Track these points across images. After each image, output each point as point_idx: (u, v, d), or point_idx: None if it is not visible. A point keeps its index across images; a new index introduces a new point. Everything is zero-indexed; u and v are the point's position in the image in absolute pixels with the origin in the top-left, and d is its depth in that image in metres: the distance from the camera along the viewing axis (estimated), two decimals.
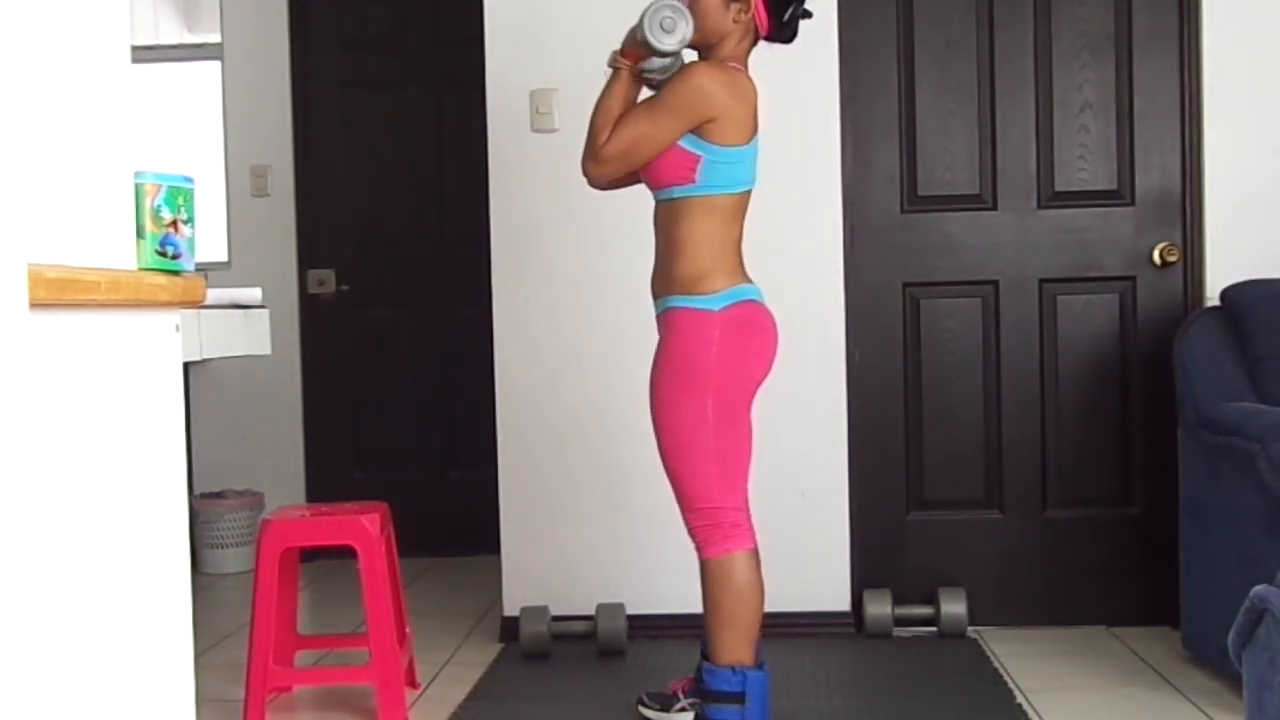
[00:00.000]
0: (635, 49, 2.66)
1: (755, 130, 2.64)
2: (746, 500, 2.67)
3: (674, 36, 2.58)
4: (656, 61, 2.68)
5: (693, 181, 2.60)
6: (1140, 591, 3.69)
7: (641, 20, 2.59)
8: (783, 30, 2.67)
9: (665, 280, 2.67)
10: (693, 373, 2.59)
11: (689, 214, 2.61)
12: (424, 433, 5.10)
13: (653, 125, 2.58)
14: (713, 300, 2.60)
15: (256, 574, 2.94)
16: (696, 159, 2.58)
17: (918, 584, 3.74)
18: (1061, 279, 3.72)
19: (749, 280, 2.68)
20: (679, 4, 2.59)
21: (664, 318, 2.68)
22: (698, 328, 2.60)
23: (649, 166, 2.64)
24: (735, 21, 2.63)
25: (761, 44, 2.70)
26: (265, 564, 2.92)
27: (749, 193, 2.67)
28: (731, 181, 2.62)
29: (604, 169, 2.67)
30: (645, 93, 2.73)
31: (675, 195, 2.62)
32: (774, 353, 2.69)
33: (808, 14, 2.69)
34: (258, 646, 2.90)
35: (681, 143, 2.58)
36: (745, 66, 2.68)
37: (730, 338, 2.60)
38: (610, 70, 2.71)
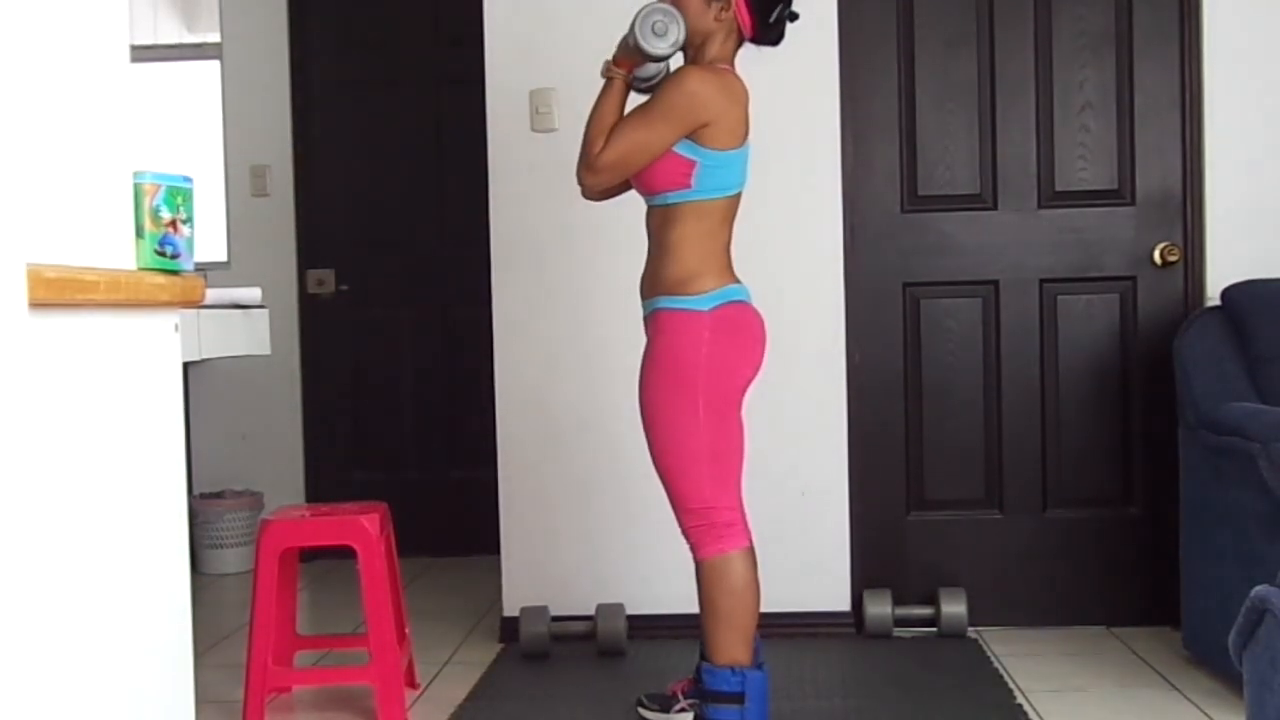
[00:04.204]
0: (629, 56, 2.65)
1: (747, 133, 2.64)
2: (740, 499, 2.67)
3: (666, 40, 2.55)
4: (651, 68, 2.68)
5: (688, 187, 2.59)
6: (1140, 591, 3.69)
7: (633, 26, 2.57)
8: (768, 32, 2.66)
9: (654, 281, 2.66)
10: (683, 373, 2.58)
11: (682, 218, 2.61)
12: (424, 433, 5.10)
13: (648, 133, 2.57)
14: (702, 301, 2.59)
15: (256, 574, 2.94)
16: (692, 164, 2.57)
17: (918, 584, 3.74)
18: (1062, 279, 3.72)
19: (737, 281, 2.67)
20: (668, 7, 2.57)
21: (652, 319, 2.67)
22: (688, 328, 2.59)
23: (642, 174, 2.63)
24: (717, 20, 2.61)
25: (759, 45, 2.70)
26: (265, 564, 2.92)
27: (739, 195, 2.67)
28: (725, 185, 2.62)
29: (599, 178, 2.65)
30: (634, 98, 2.72)
31: (670, 200, 2.62)
32: (763, 353, 2.69)
33: (794, 16, 2.68)
34: (257, 647, 2.89)
35: (677, 149, 2.57)
36: (733, 67, 2.67)
37: (720, 338, 2.59)
38: (604, 79, 2.69)
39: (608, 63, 2.70)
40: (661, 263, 2.64)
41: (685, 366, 2.58)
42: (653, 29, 2.55)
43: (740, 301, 2.65)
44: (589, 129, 2.67)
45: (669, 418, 2.60)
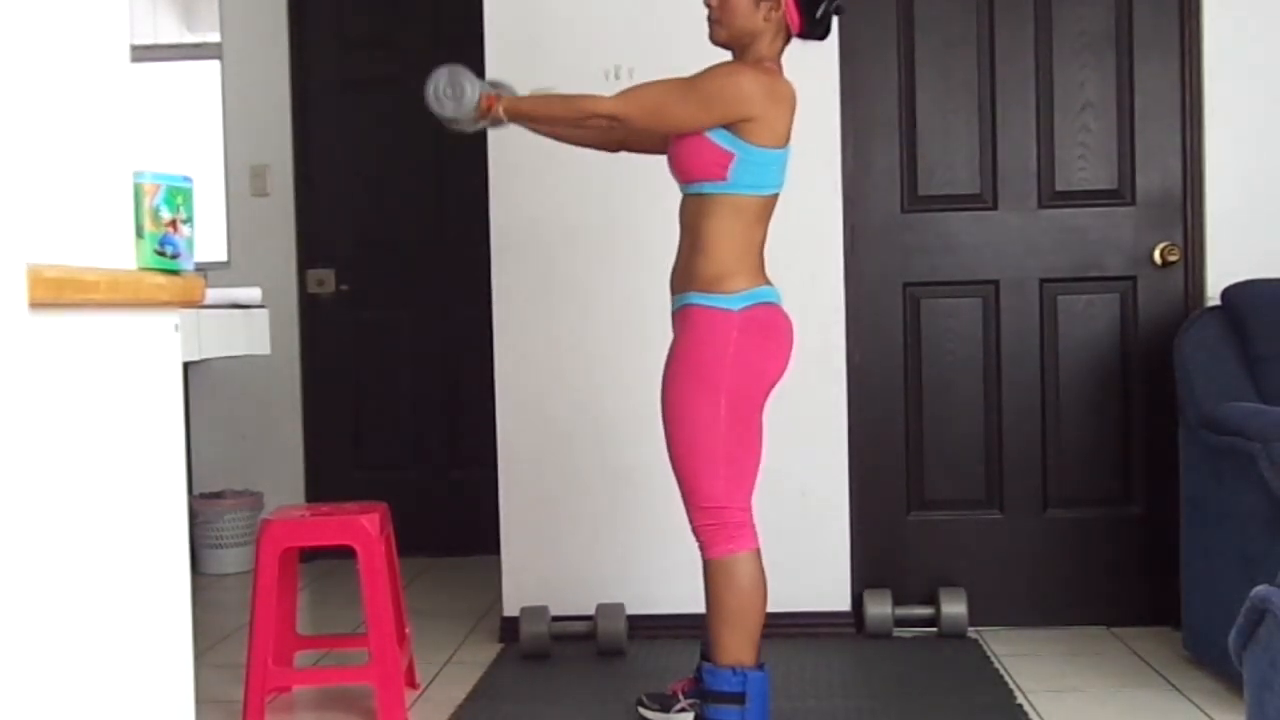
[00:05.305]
0: (475, 110, 2.71)
1: (789, 136, 2.63)
2: (751, 501, 2.67)
3: (465, 99, 2.68)
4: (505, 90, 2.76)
5: (724, 179, 2.58)
6: (1140, 591, 3.69)
7: (428, 101, 2.71)
8: (815, 27, 2.65)
9: (686, 276, 2.66)
10: (709, 371, 2.58)
11: (716, 211, 2.60)
12: (424, 433, 5.10)
13: (683, 104, 2.56)
14: (733, 300, 2.59)
15: (256, 574, 2.93)
16: (730, 156, 2.56)
17: (918, 584, 3.74)
18: (1062, 279, 3.71)
19: (769, 283, 2.67)
20: (450, 70, 2.69)
21: (681, 314, 2.66)
22: (717, 327, 2.59)
23: (680, 159, 2.62)
24: (766, 20, 2.60)
25: None
26: (265, 564, 2.92)
27: (776, 196, 2.66)
28: (762, 183, 2.61)
29: (620, 120, 2.61)
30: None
31: (705, 191, 2.61)
32: (789, 356, 2.68)
33: (841, 10, 2.68)
34: (257, 647, 2.89)
35: (716, 139, 2.56)
36: (779, 66, 2.66)
37: (748, 338, 2.59)
38: (505, 122, 2.77)
39: (493, 117, 2.74)
40: (695, 257, 2.63)
41: (711, 365, 2.58)
42: (447, 95, 2.72)
43: (771, 303, 2.65)
44: (562, 108, 2.72)
45: (690, 415, 2.59)
